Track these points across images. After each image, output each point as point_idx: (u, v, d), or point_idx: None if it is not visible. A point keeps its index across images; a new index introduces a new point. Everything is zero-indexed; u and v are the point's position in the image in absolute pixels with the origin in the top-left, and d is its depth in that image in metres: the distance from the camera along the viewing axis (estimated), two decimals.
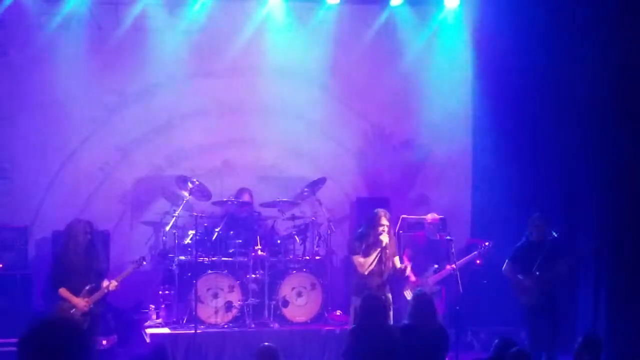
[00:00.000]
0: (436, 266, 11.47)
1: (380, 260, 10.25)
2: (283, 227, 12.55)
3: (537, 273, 10.55)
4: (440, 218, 12.29)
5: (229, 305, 11.58)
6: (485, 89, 13.55)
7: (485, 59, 13.49)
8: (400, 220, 12.75)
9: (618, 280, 11.36)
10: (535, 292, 10.59)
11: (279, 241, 12.22)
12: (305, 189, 12.32)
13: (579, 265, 11.05)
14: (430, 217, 11.89)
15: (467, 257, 11.68)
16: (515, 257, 10.82)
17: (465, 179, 13.92)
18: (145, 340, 11.29)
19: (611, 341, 10.84)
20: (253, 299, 11.67)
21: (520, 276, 10.70)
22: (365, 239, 10.32)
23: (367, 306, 8.57)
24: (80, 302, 9.69)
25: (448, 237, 11.21)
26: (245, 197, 12.52)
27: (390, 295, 10.34)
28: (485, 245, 11.51)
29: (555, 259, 10.60)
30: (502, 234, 12.63)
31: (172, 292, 11.82)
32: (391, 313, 9.96)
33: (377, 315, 8.50)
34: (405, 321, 8.74)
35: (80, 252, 9.82)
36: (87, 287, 9.75)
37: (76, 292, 9.73)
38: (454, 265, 10.72)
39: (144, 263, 10.65)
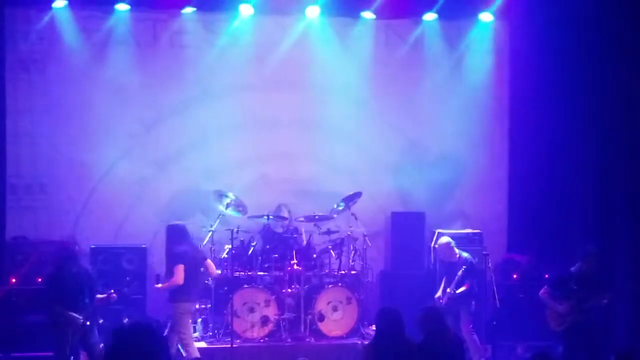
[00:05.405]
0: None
1: None
2: (319, 241, 12.54)
3: (574, 303, 10.53)
4: (477, 232, 12.33)
5: (265, 320, 11.60)
6: (521, 103, 13.47)
7: (521, 72, 13.41)
8: (436, 235, 12.69)
9: None
10: (568, 321, 10.55)
11: (314, 255, 12.24)
12: (341, 203, 12.33)
13: (615, 299, 10.94)
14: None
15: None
16: (555, 284, 10.75)
17: (501, 193, 13.82)
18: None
19: None
20: (289, 314, 11.68)
21: (556, 303, 10.66)
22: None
23: (386, 320, 8.31)
24: (76, 318, 9.61)
25: (484, 252, 11.23)
26: (284, 213, 12.53)
27: None
28: None
29: (593, 292, 10.53)
30: (538, 248, 12.57)
31: (209, 306, 11.87)
32: None
33: (395, 329, 8.27)
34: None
35: (74, 273, 9.81)
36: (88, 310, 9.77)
37: (69, 308, 9.66)
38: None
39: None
